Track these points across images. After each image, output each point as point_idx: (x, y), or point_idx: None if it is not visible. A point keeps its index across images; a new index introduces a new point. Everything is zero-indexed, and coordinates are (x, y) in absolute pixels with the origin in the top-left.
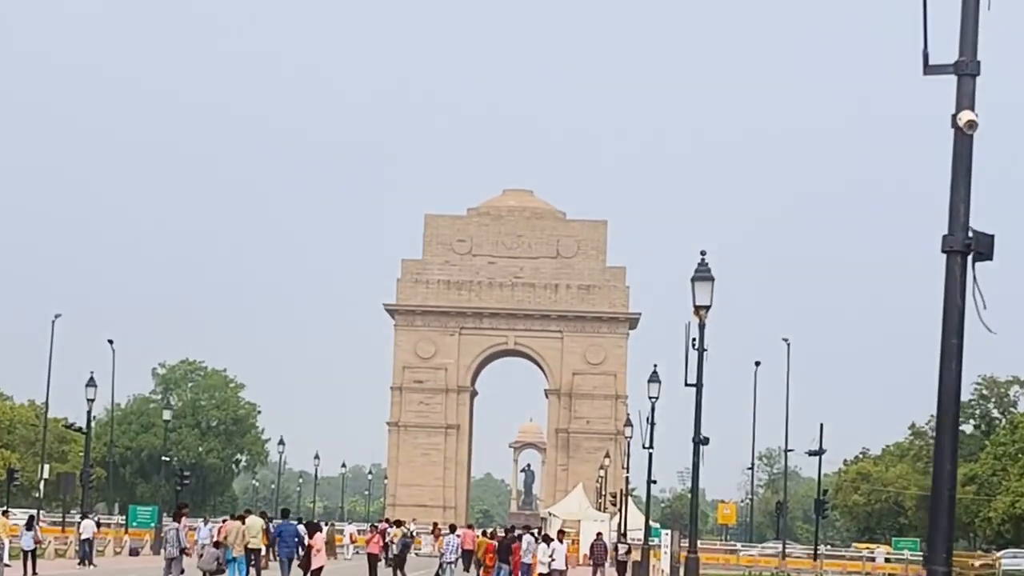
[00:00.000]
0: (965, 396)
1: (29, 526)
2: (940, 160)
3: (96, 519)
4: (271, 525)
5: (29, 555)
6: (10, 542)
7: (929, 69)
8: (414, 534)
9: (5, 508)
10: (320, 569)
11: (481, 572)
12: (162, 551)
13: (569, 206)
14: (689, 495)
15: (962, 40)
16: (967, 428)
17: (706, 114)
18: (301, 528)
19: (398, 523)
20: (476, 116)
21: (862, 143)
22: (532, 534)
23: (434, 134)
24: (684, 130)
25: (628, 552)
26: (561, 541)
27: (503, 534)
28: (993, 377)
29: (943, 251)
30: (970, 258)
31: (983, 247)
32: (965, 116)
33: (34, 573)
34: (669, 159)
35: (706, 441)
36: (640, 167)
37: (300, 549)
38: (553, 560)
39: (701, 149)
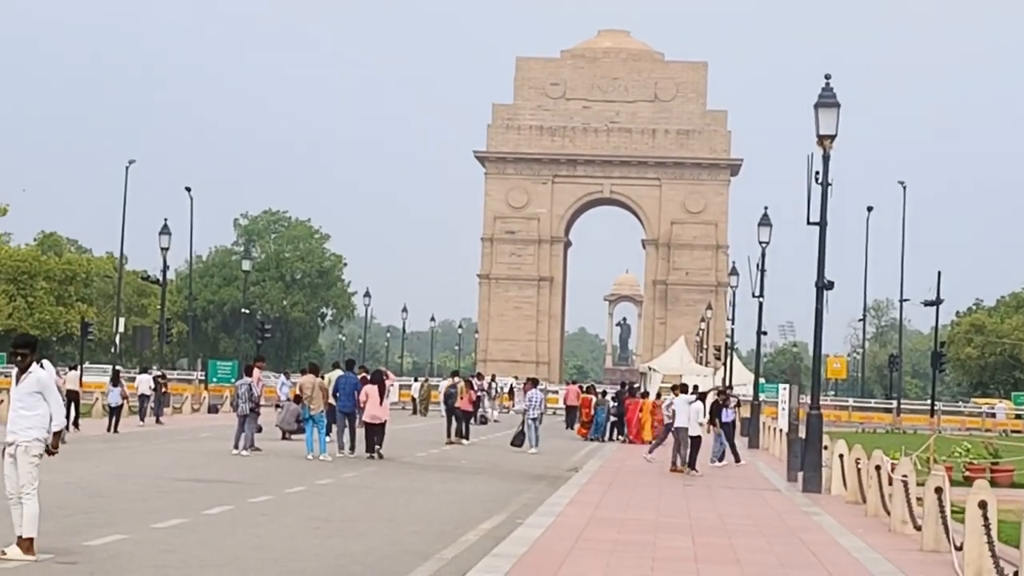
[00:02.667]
0: None
1: (115, 382)
2: None
3: (157, 374)
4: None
5: (113, 412)
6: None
7: None
8: (503, 388)
9: (74, 364)
10: (377, 425)
11: (578, 428)
12: (238, 409)
13: (667, 47)
14: (793, 349)
15: None
16: None
17: None
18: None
19: (454, 374)
20: None
21: None
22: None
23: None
24: None
25: (738, 406)
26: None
27: (620, 389)
28: None
29: None
30: None
31: None
32: None
33: (115, 430)
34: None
35: (831, 285)
36: (741, 4)
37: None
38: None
39: None
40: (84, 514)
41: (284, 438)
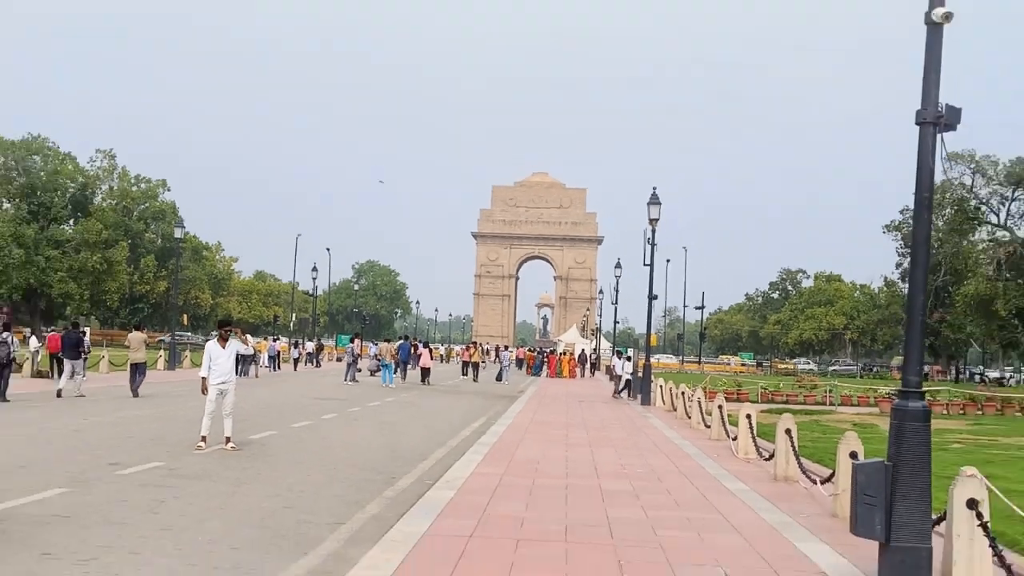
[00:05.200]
0: (774, 277)
1: (296, 345)
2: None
3: (317, 343)
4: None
5: (294, 362)
6: (279, 355)
7: None
8: (487, 351)
9: (276, 336)
10: (426, 369)
11: (525, 369)
12: (345, 359)
13: (568, 179)
14: (628, 330)
15: None
16: (775, 295)
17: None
18: (421, 346)
19: (472, 343)
20: (518, 126)
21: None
22: (549, 352)
23: (496, 135)
24: (640, 129)
25: (597, 359)
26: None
27: (539, 350)
28: (788, 268)
29: (917, 123)
30: (937, 128)
31: (951, 119)
32: (941, 10)
33: (296, 369)
34: (627, 154)
35: (656, 297)
36: (605, 161)
37: (412, 357)
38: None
39: (647, 144)
40: (252, 419)
41: (371, 375)
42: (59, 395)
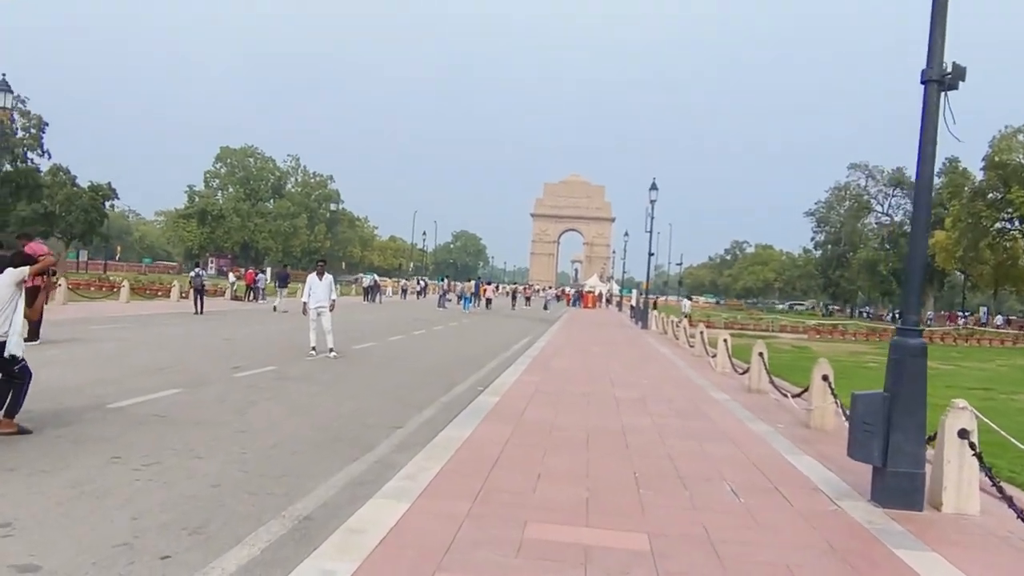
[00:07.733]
0: (728, 244)
1: (418, 282)
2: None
3: (424, 282)
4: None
5: (416, 293)
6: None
7: None
8: (538, 290)
9: (398, 278)
10: (489, 300)
11: (565, 302)
12: (437, 293)
13: (593, 177)
14: (630, 278)
15: None
16: (728, 257)
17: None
18: (485, 284)
19: (514, 283)
20: (565, 140)
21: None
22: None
23: (547, 148)
24: (645, 138)
25: (611, 297)
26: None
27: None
28: (736, 240)
29: (922, 82)
30: (941, 86)
31: (956, 77)
32: None
33: (417, 299)
34: (634, 157)
35: (653, 254)
36: (619, 163)
37: (480, 291)
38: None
39: (653, 148)
40: (361, 333)
41: (456, 304)
42: (274, 310)
